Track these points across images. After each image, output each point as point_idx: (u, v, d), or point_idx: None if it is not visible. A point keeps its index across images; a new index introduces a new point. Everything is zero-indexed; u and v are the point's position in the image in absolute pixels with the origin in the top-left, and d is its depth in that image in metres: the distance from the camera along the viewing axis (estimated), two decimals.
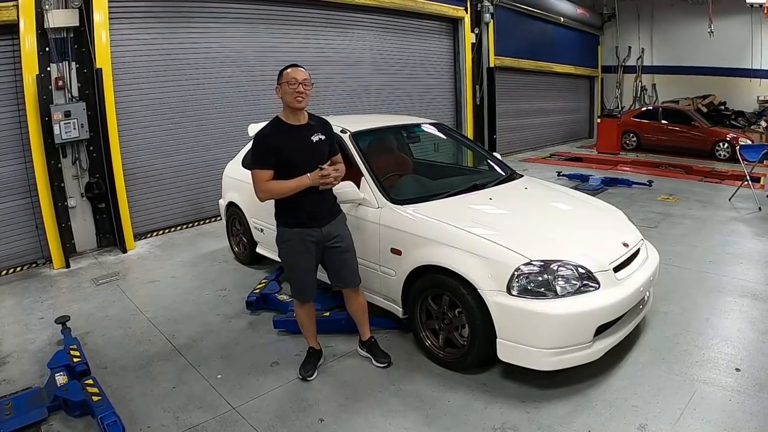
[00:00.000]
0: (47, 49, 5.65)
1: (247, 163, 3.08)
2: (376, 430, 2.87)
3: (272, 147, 3.06)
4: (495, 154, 5.01)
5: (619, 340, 3.26)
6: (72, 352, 3.54)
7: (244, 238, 5.41)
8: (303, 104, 3.06)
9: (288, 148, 3.07)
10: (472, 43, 11.33)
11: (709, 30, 13.88)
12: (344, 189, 3.44)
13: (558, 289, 2.97)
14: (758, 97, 15.38)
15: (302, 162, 3.06)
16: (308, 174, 3.03)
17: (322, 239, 3.19)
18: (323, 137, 3.18)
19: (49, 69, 5.70)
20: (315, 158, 3.10)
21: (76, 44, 5.89)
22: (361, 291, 3.49)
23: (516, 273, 2.97)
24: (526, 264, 2.99)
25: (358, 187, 3.61)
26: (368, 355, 3.54)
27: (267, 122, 3.23)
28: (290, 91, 3.01)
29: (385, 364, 3.45)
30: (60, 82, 5.77)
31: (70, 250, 5.95)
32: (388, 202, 3.61)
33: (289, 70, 3.07)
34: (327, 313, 4.02)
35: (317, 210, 3.15)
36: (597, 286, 3.05)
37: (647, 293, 3.58)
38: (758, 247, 5.73)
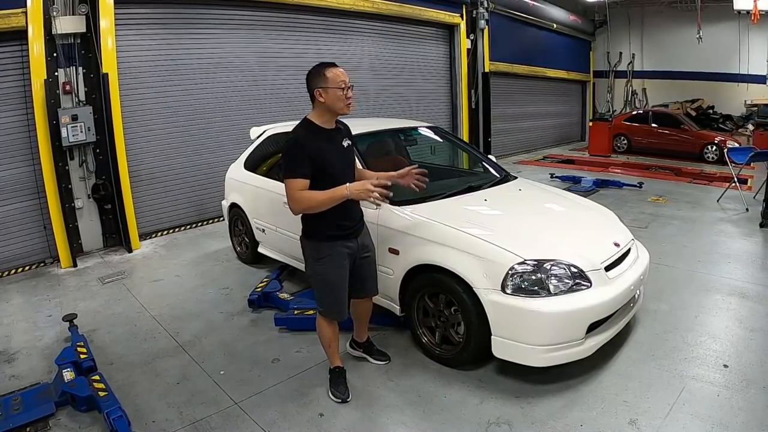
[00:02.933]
0: (55, 54, 5.66)
1: (283, 173, 2.76)
2: (374, 424, 2.88)
3: (309, 154, 2.67)
4: (490, 156, 5.01)
5: (611, 337, 3.27)
6: (79, 349, 3.54)
7: (246, 239, 5.41)
8: (351, 110, 2.78)
9: (327, 156, 2.73)
10: (468, 49, 11.35)
11: (697, 36, 13.92)
12: None
13: (551, 287, 2.98)
14: (745, 101, 15.42)
15: (339, 170, 2.78)
16: (347, 184, 2.67)
17: (357, 251, 2.97)
18: (350, 142, 2.94)
19: (56, 74, 5.71)
20: (348, 164, 2.87)
21: (83, 50, 5.90)
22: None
23: (510, 272, 2.98)
24: (520, 263, 2.99)
25: None
26: (363, 355, 3.49)
27: (296, 125, 2.84)
28: (341, 96, 2.69)
29: (385, 361, 3.42)
30: (67, 87, 5.77)
31: (77, 250, 5.95)
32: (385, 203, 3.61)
33: (334, 71, 2.70)
34: None
35: (354, 220, 2.91)
36: (589, 284, 3.06)
37: (638, 292, 3.59)
38: (745, 246, 5.74)
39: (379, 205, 2.68)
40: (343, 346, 3.58)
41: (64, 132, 5.58)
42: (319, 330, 3.13)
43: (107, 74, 5.85)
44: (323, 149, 2.72)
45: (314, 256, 2.89)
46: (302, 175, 2.66)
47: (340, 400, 3.06)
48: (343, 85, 2.69)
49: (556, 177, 9.88)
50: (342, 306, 3.01)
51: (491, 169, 4.65)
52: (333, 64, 2.75)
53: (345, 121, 3.07)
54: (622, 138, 14.40)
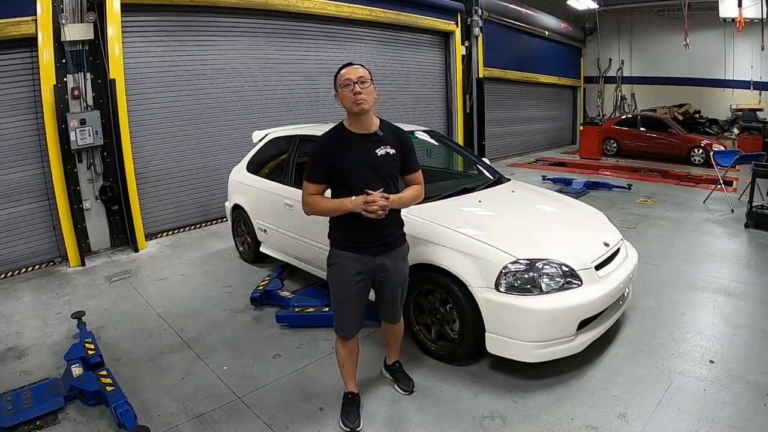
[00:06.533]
0: (64, 60, 5.65)
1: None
2: (372, 418, 2.87)
3: (325, 158, 2.51)
4: (484, 159, 5.01)
5: (601, 334, 3.27)
6: (87, 345, 3.53)
7: (248, 238, 5.40)
8: (365, 107, 2.45)
9: (342, 161, 2.49)
10: (463, 55, 11.36)
11: (684, 43, 13.93)
12: None
13: (543, 286, 2.98)
14: (731, 105, 15.47)
15: (358, 178, 2.47)
16: (352, 197, 2.44)
17: (373, 270, 2.63)
18: (392, 151, 2.56)
19: (65, 79, 5.70)
20: (378, 175, 2.51)
21: (90, 56, 5.88)
22: (400, 322, 3.00)
23: (504, 271, 2.98)
24: (513, 262, 3.00)
25: None
26: (391, 378, 3.18)
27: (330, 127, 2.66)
28: (348, 95, 2.44)
29: (408, 392, 3.07)
30: (76, 92, 5.76)
31: (85, 250, 5.94)
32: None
33: (342, 70, 2.49)
34: (326, 309, 4.01)
35: (373, 237, 2.55)
36: (579, 283, 3.06)
37: (627, 290, 3.60)
38: (731, 246, 5.75)
39: (379, 215, 2.40)
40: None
41: (72, 136, 5.58)
42: (335, 347, 2.87)
43: (114, 80, 5.84)
44: (341, 155, 2.49)
45: (328, 260, 2.70)
46: (315, 179, 2.54)
47: (348, 430, 2.74)
48: (348, 83, 2.44)
49: (548, 179, 9.89)
50: (346, 325, 2.72)
51: (485, 172, 4.65)
52: (346, 65, 2.54)
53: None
54: (612, 141, 14.41)
